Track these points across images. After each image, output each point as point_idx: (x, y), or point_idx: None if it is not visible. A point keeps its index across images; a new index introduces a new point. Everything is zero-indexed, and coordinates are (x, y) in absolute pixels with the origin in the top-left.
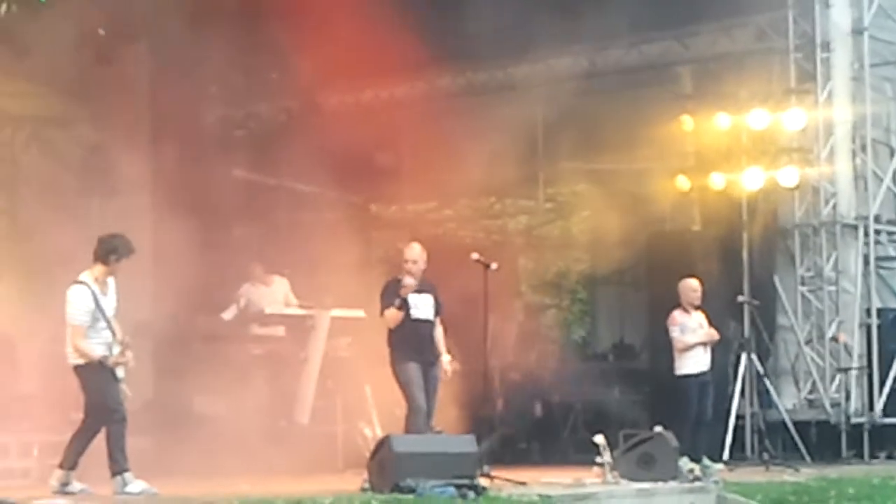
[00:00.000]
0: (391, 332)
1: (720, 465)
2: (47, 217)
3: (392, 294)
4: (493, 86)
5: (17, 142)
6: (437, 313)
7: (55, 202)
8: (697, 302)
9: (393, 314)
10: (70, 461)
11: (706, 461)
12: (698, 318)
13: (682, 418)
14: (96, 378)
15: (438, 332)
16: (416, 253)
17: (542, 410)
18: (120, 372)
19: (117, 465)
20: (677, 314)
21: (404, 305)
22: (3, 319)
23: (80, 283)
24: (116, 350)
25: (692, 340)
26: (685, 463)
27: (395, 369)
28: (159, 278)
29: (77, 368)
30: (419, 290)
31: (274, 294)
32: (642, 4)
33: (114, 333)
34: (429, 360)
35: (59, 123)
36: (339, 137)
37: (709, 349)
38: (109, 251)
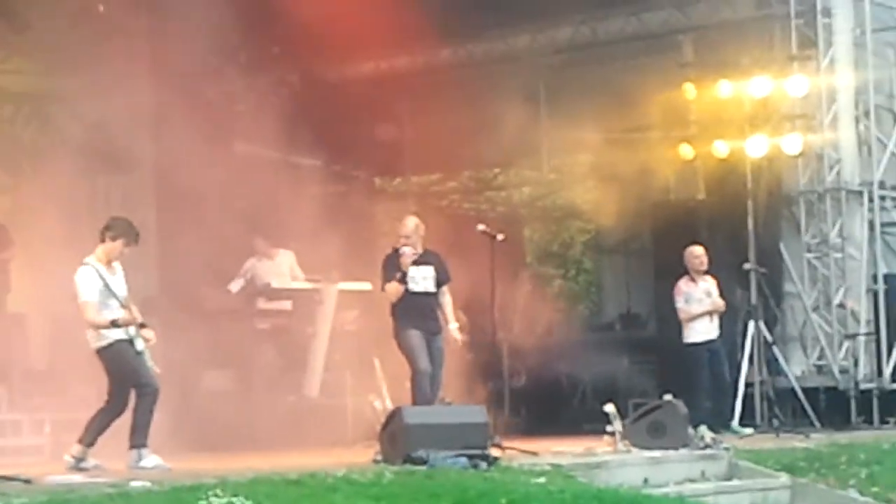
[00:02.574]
0: (393, 304)
1: (749, 431)
2: (50, 195)
3: (391, 267)
4: (495, 56)
5: (18, 119)
6: (441, 283)
7: (58, 180)
8: (702, 268)
9: (394, 288)
10: (89, 438)
11: (735, 426)
12: (705, 286)
13: (695, 386)
14: (120, 356)
15: (446, 299)
16: (409, 227)
17: (541, 380)
18: (139, 345)
19: (137, 438)
20: (682, 284)
21: (404, 278)
22: (12, 297)
23: (85, 264)
24: (133, 331)
25: (697, 310)
26: (703, 431)
27: (397, 338)
28: (164, 254)
29: (100, 351)
30: (419, 262)
31: (279, 267)
32: None
33: (129, 312)
34: (431, 330)
35: (59, 100)
36: (341, 110)
37: (716, 317)
38: (105, 228)
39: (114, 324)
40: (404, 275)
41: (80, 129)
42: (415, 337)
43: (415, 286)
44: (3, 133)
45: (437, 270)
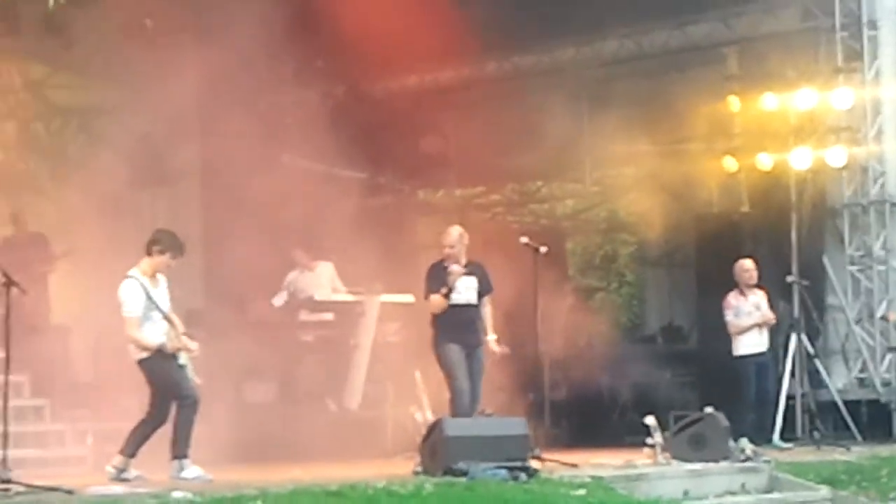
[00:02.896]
0: (434, 315)
1: (790, 445)
2: (98, 207)
3: (436, 278)
4: (539, 70)
5: (66, 133)
6: (483, 294)
7: (105, 192)
8: (752, 282)
9: (438, 301)
10: (131, 449)
11: (776, 441)
12: (755, 299)
13: (740, 399)
14: (161, 368)
15: (487, 311)
16: (452, 237)
17: (588, 393)
18: (182, 359)
19: (179, 449)
20: (731, 297)
21: (449, 294)
22: (57, 309)
23: (129, 277)
24: (173, 337)
25: (746, 323)
26: (744, 443)
27: (436, 352)
28: (210, 266)
29: (141, 363)
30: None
31: (319, 278)
32: None
33: (172, 324)
34: (471, 344)
35: (107, 114)
36: (386, 123)
37: (765, 330)
38: (152, 242)
39: (160, 350)
40: (450, 290)
41: (127, 141)
42: (454, 352)
43: (457, 297)
44: (52, 146)
45: (479, 282)
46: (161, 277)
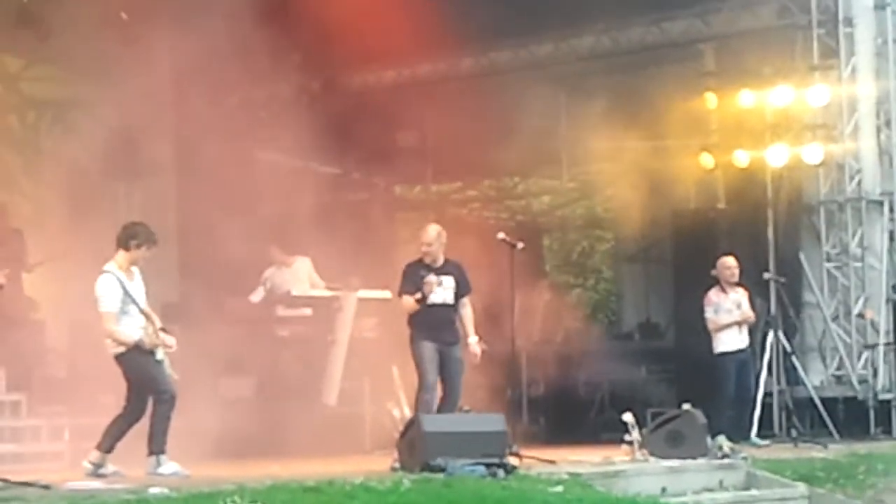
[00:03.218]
0: (409, 314)
1: (766, 442)
2: (72, 201)
3: (411, 278)
4: (516, 65)
5: (40, 126)
6: (461, 294)
7: (80, 186)
8: (734, 279)
9: (410, 303)
10: (107, 444)
11: (754, 438)
12: (735, 297)
13: (720, 396)
14: (138, 362)
15: (467, 311)
16: (430, 236)
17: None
18: (159, 354)
19: (156, 445)
20: (712, 294)
21: (423, 301)
22: (32, 303)
23: (105, 272)
24: (151, 332)
25: (725, 321)
26: (721, 440)
27: (411, 347)
28: (186, 260)
29: (118, 357)
30: (438, 272)
31: (296, 274)
32: None
33: (149, 319)
34: (447, 342)
35: (82, 106)
36: (363, 118)
37: (745, 328)
38: (130, 237)
39: (138, 345)
40: (424, 298)
41: (102, 135)
42: (427, 349)
43: (433, 297)
44: (26, 139)
45: (457, 282)
46: (136, 271)
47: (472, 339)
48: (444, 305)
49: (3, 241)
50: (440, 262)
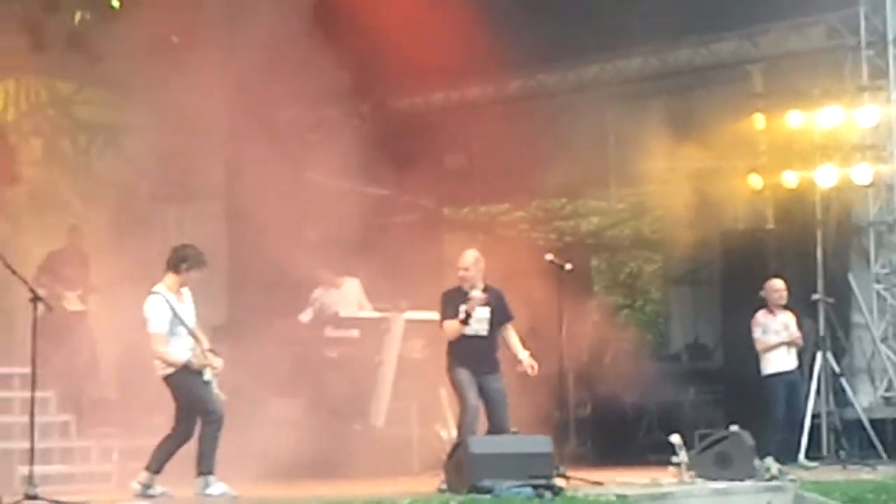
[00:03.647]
0: (448, 342)
1: (814, 464)
2: (124, 224)
3: (450, 303)
4: (564, 87)
5: (92, 150)
6: (501, 322)
7: (131, 209)
8: (782, 302)
9: (454, 327)
10: (156, 465)
11: (801, 460)
12: (783, 318)
13: (768, 418)
14: (187, 383)
15: (511, 335)
16: (468, 261)
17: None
18: (207, 375)
19: (205, 465)
20: (760, 315)
21: (468, 320)
22: (84, 325)
23: (155, 293)
24: (199, 353)
25: (773, 341)
26: (769, 462)
27: (449, 374)
28: (234, 283)
29: (167, 378)
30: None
31: (345, 295)
32: (712, 3)
33: (197, 340)
34: (482, 371)
35: (132, 130)
36: (411, 140)
37: (793, 349)
38: (180, 260)
39: (186, 366)
40: (468, 316)
41: (153, 158)
42: (464, 374)
43: (468, 329)
44: (78, 163)
45: (493, 312)
46: (186, 292)
47: (524, 355)
48: (477, 337)
49: (74, 262)
50: (479, 288)
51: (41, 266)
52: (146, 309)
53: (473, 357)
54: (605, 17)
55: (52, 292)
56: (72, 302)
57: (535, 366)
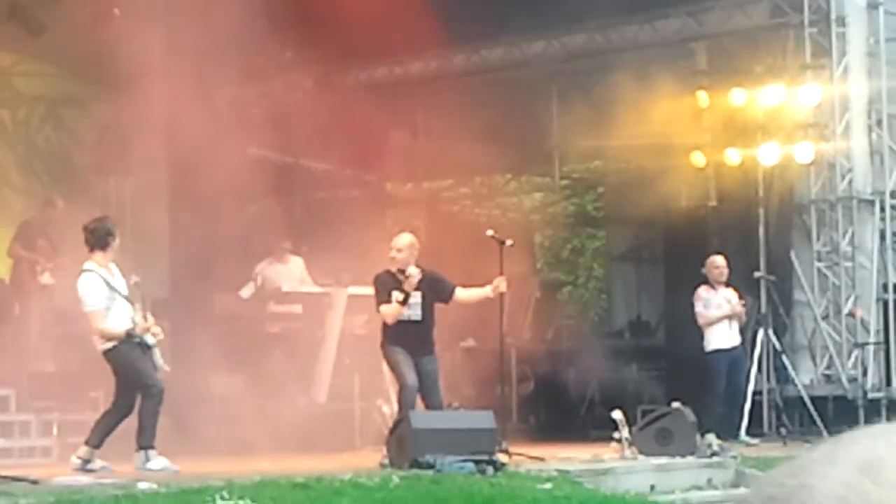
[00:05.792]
0: (383, 322)
1: (756, 441)
2: (64, 197)
3: (384, 287)
4: (509, 63)
5: (32, 121)
6: (443, 299)
7: (71, 182)
8: (723, 279)
9: (394, 310)
10: (96, 439)
11: (743, 436)
12: (725, 294)
13: (710, 394)
14: (127, 357)
15: (462, 294)
16: (402, 242)
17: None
18: (150, 339)
19: (145, 439)
20: (702, 290)
21: (407, 300)
22: (50, 300)
23: (87, 270)
24: (139, 319)
25: (715, 315)
26: (711, 438)
27: (384, 353)
28: (176, 256)
29: (106, 353)
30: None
31: (290, 272)
32: None
33: (133, 305)
34: (416, 353)
35: (73, 103)
36: (354, 115)
37: (735, 324)
38: (106, 233)
39: (129, 334)
40: (407, 296)
41: (94, 130)
42: (399, 352)
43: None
44: (18, 135)
45: (425, 297)
46: (114, 267)
47: (488, 288)
48: (411, 322)
49: (48, 235)
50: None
51: (16, 236)
52: (80, 287)
53: (407, 341)
54: None
55: (31, 266)
56: (44, 277)
57: (503, 289)
